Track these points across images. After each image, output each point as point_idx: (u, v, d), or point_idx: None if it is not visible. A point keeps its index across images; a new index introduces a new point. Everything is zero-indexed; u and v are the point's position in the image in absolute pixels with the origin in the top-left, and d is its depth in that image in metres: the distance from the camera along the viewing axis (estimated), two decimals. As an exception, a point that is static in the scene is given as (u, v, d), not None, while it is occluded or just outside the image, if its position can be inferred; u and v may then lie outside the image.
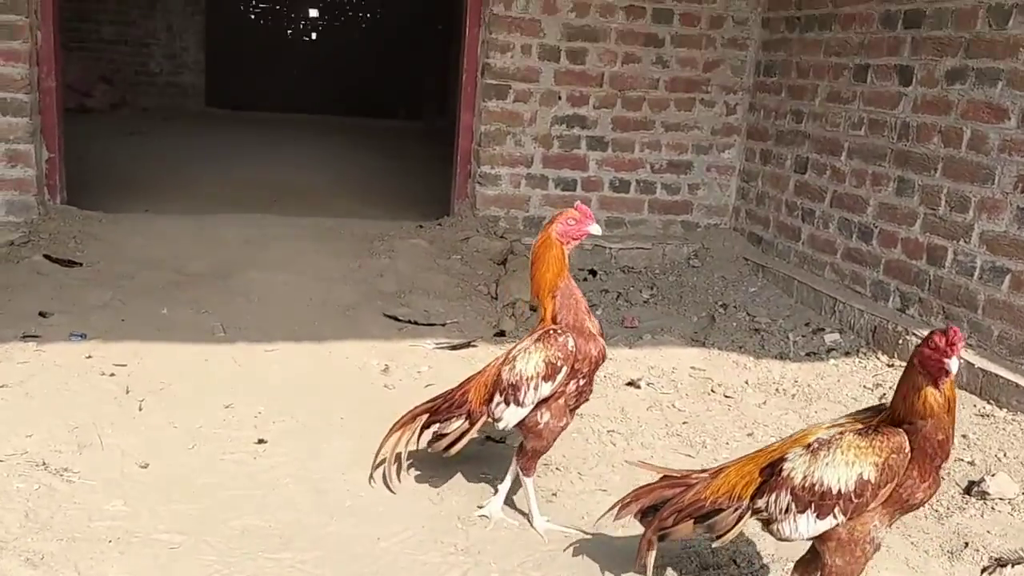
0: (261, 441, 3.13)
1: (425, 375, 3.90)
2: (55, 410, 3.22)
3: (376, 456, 2.87)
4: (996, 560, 2.63)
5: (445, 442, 2.71)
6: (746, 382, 4.16)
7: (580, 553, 2.58)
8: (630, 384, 4.02)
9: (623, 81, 5.73)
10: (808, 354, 4.58)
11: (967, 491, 3.10)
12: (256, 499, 2.70)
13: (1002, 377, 3.76)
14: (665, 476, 2.33)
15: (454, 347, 4.21)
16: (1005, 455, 3.37)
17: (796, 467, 2.07)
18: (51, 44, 5.02)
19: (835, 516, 2.02)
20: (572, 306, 2.59)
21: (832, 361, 4.43)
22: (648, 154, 5.91)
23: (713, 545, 2.34)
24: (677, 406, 3.84)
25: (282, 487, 2.80)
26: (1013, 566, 2.60)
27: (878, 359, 4.38)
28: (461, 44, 5.68)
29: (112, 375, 3.60)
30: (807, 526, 2.05)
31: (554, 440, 2.67)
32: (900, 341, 4.32)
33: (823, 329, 4.80)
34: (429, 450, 2.84)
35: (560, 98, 5.67)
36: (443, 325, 4.45)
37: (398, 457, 2.87)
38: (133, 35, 12.33)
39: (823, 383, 4.14)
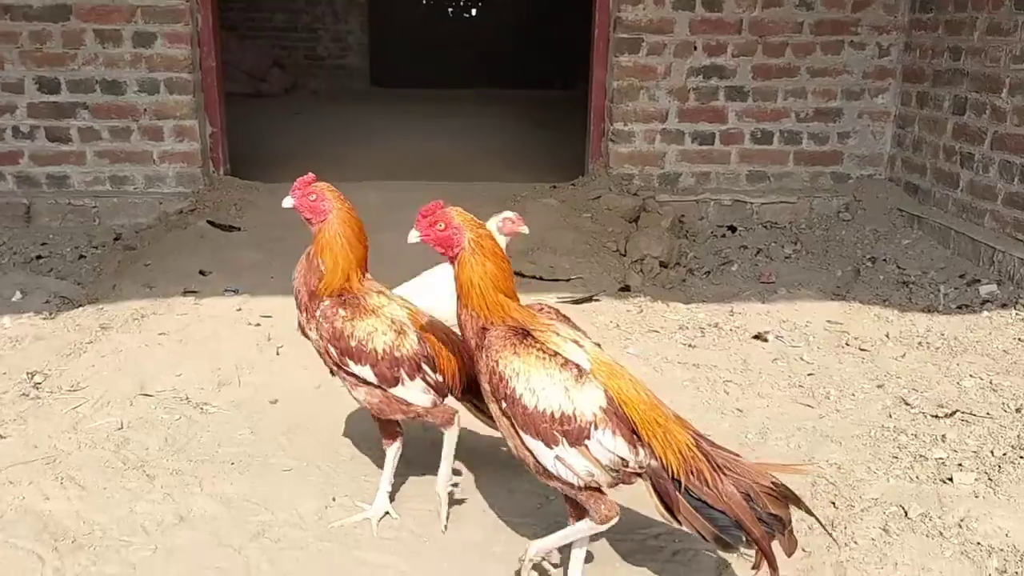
0: (379, 384, 3.30)
1: (546, 327, 3.96)
2: (204, 354, 3.55)
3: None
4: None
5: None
6: (886, 335, 3.94)
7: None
8: (756, 337, 3.91)
9: (763, 26, 5.50)
10: (960, 307, 4.27)
11: None
12: (368, 434, 2.86)
13: None
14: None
15: (576, 301, 4.24)
16: None
17: None
18: (210, 26, 5.45)
19: None
20: None
21: (986, 313, 4.11)
22: (793, 102, 5.66)
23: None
24: (805, 358, 3.70)
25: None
26: None
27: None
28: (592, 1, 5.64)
29: (257, 325, 3.91)
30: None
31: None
32: (1064, 290, 3.94)
33: (979, 281, 4.46)
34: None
35: (696, 48, 5.52)
36: (567, 280, 4.50)
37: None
38: (302, 21, 13.03)
39: (972, 336, 3.86)
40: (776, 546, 1.90)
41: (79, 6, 5.14)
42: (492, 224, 2.80)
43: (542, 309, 2.08)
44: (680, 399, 3.22)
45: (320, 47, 13.23)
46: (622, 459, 1.89)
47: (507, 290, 2.00)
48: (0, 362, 3.42)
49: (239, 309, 4.10)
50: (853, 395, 3.35)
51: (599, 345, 2.09)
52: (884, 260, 4.99)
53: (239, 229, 5.13)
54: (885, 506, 2.46)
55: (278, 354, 3.60)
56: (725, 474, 1.89)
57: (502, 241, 2.73)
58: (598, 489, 1.92)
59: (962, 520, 2.36)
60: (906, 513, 2.41)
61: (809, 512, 1.93)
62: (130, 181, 5.44)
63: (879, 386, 3.41)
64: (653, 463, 1.89)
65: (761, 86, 5.61)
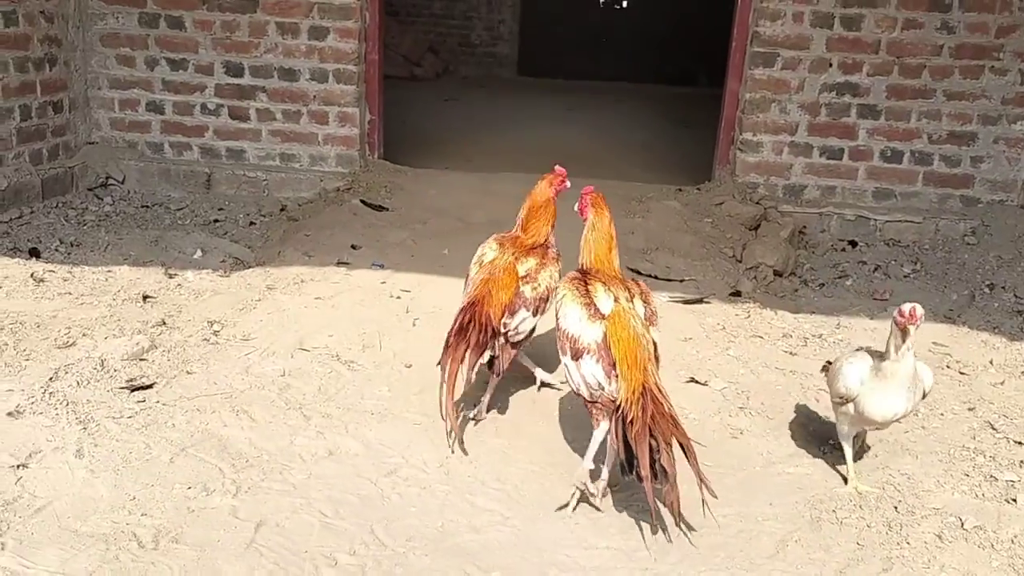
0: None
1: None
2: (351, 319, 4.08)
3: (441, 406, 3.16)
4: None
5: (500, 363, 3.16)
6: (989, 361, 4.06)
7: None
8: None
9: (902, 48, 5.58)
10: (1074, 339, 4.31)
11: None
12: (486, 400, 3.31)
13: None
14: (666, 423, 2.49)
15: (687, 301, 4.54)
16: None
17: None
18: (376, 22, 6.01)
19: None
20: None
21: (1097, 351, 4.15)
22: (926, 124, 5.71)
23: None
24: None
25: (508, 394, 3.39)
26: None
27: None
28: (733, 13, 5.85)
29: (398, 298, 4.42)
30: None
31: None
32: None
33: (1100, 314, 4.47)
34: (492, 373, 3.26)
35: (831, 65, 5.66)
36: (681, 281, 4.79)
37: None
38: (458, 9, 13.64)
39: (1080, 368, 3.93)
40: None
41: (265, 0, 5.80)
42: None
43: (632, 280, 2.87)
44: (771, 402, 3.50)
45: (473, 35, 13.82)
46: (599, 383, 2.54)
47: (600, 252, 2.87)
48: (186, 311, 4.05)
49: (383, 282, 4.61)
50: (942, 415, 3.52)
51: (645, 309, 2.73)
52: (1003, 287, 5.02)
53: (388, 209, 5.67)
54: (944, 516, 2.69)
55: (414, 325, 4.09)
56: (646, 421, 2.45)
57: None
58: (595, 403, 2.58)
59: (1015, 537, 2.57)
60: (962, 524, 2.64)
61: (699, 475, 2.46)
62: (296, 159, 6.09)
63: (970, 409, 3.57)
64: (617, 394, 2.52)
65: (894, 106, 5.69)
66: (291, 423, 3.04)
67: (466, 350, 2.93)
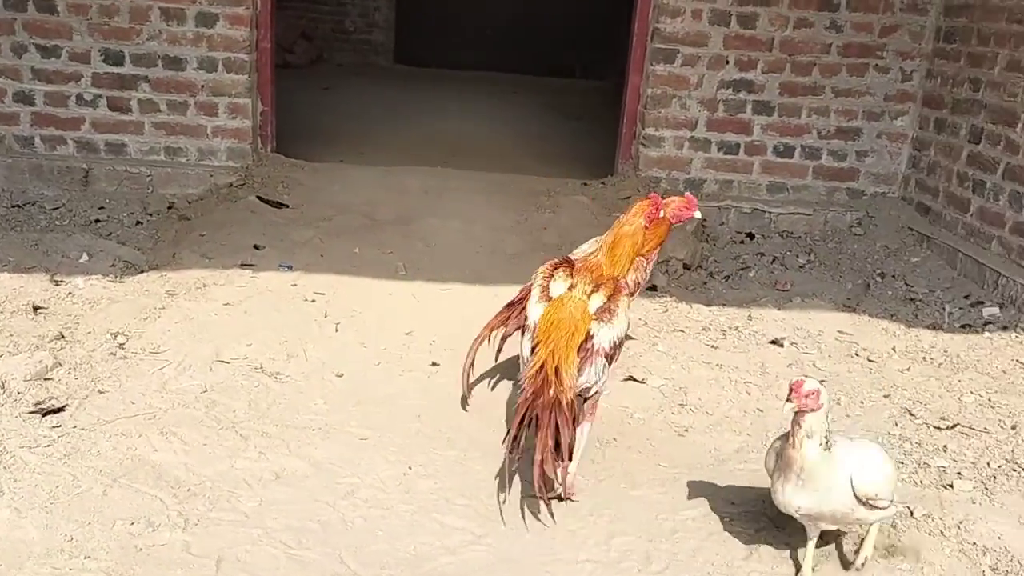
0: (435, 364, 3.62)
1: (580, 320, 4.27)
2: (268, 326, 3.85)
3: (464, 374, 3.30)
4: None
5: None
6: (893, 348, 4.26)
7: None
8: (773, 342, 4.22)
9: (793, 46, 5.78)
10: (963, 326, 4.59)
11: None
12: (429, 408, 3.19)
13: None
14: (533, 420, 2.52)
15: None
16: None
17: (602, 336, 2.64)
18: (268, 9, 5.70)
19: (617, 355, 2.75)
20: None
21: (987, 334, 4.43)
22: (815, 120, 5.94)
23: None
24: (818, 365, 4.02)
25: (450, 401, 3.28)
26: None
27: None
28: (633, 10, 5.90)
29: (313, 301, 4.21)
30: (609, 370, 2.72)
31: None
32: (1060, 318, 4.27)
33: (983, 302, 4.77)
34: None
35: (728, 62, 5.80)
36: (600, 276, 4.79)
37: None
38: (331, -6, 13.23)
39: (974, 355, 4.18)
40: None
41: (147, -17, 5.39)
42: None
43: (615, 280, 2.82)
44: (707, 397, 3.55)
45: (347, 21, 13.42)
46: (525, 359, 2.66)
47: (608, 246, 2.93)
48: (84, 322, 3.71)
49: (294, 285, 4.38)
50: (862, 403, 3.67)
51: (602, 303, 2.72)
52: (893, 276, 5.30)
53: (288, 206, 5.40)
54: (907, 517, 2.79)
55: (337, 330, 3.91)
56: (527, 398, 2.53)
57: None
58: None
59: (961, 522, 2.70)
60: (912, 513, 2.74)
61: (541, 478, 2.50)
62: (183, 153, 5.70)
63: (886, 396, 3.73)
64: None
65: (787, 102, 5.89)
66: (227, 444, 2.82)
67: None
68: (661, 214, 3.00)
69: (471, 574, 2.29)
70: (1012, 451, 3.22)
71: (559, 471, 2.54)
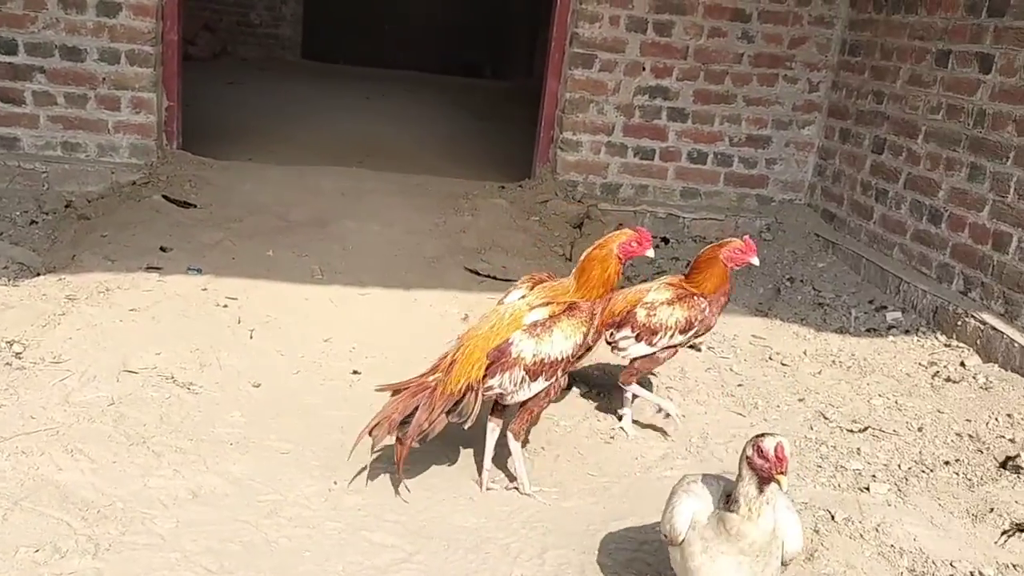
0: (355, 372, 3.52)
1: (502, 325, 4.23)
2: (178, 333, 3.67)
3: None
4: (1017, 525, 2.85)
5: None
6: (804, 352, 4.38)
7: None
8: (691, 347, 4.28)
9: (707, 55, 5.89)
10: (868, 330, 4.76)
11: (1002, 465, 3.30)
12: (351, 419, 3.07)
13: (1054, 363, 3.91)
14: (399, 389, 2.65)
15: (529, 302, 4.52)
16: (1047, 436, 3.54)
17: (524, 349, 2.61)
18: (175, 0, 5.45)
19: (557, 375, 2.69)
20: (724, 292, 3.28)
21: (891, 338, 4.61)
22: (728, 127, 6.08)
23: (466, 427, 2.67)
24: (734, 370, 4.10)
25: (373, 411, 3.17)
26: (1033, 532, 2.82)
27: (936, 339, 4.54)
28: (552, 14, 5.90)
29: (225, 306, 4.04)
30: (538, 387, 2.67)
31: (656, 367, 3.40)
32: (959, 323, 4.47)
33: (886, 307, 4.96)
34: None
35: (644, 69, 5.87)
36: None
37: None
38: (236, -15, 12.83)
39: (879, 358, 4.33)
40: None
41: (42, -32, 5.08)
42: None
43: (575, 305, 2.73)
44: (633, 403, 3.56)
45: (253, 14, 13.04)
46: None
47: (584, 269, 2.77)
48: (-25, 329, 3.46)
49: (204, 289, 4.20)
50: (778, 407, 3.76)
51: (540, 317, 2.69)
52: (801, 281, 5.47)
53: (196, 206, 5.18)
54: (815, 509, 2.86)
55: (251, 337, 3.76)
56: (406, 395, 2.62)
57: None
58: None
59: (878, 525, 2.78)
60: (832, 517, 2.81)
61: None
62: (82, 148, 5.41)
63: (800, 400, 3.83)
64: None
65: (700, 110, 6.00)
66: (139, 461, 2.67)
67: None
68: (650, 253, 2.84)
69: (404, 594, 2.22)
70: (920, 452, 3.35)
71: (399, 449, 2.59)
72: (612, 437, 3.28)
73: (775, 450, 1.82)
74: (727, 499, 1.98)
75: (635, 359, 3.27)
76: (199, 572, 2.19)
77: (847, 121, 5.82)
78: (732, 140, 6.11)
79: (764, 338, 4.53)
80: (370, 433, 2.55)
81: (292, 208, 5.26)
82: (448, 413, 2.60)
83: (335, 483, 2.67)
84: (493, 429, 2.78)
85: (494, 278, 4.78)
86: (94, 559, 2.18)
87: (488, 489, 2.76)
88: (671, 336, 3.18)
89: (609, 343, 3.27)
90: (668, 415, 3.34)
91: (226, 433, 2.91)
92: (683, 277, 3.36)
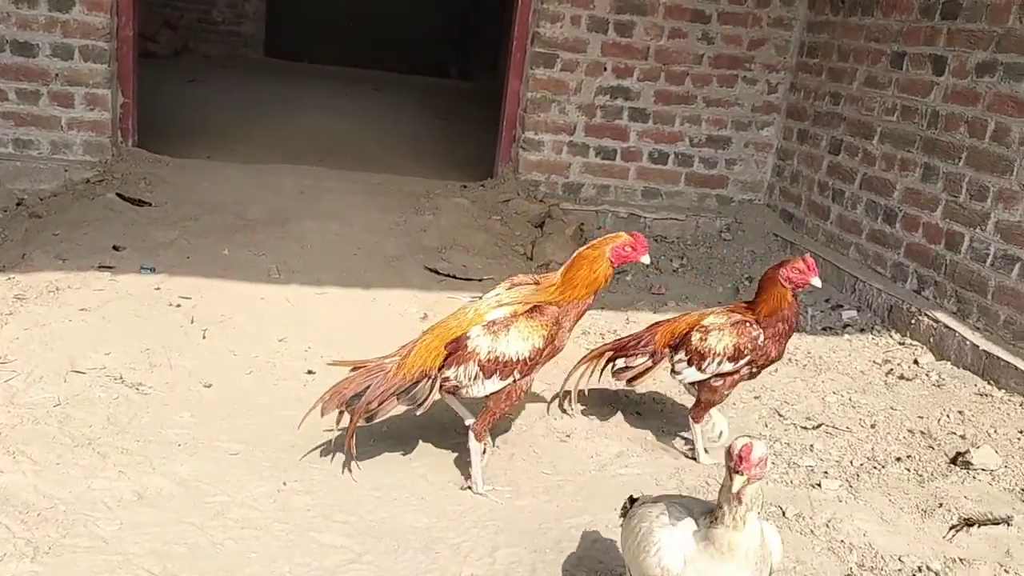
0: (310, 372, 3.48)
1: (460, 324, 4.22)
2: (129, 333, 3.61)
3: (563, 385, 3.28)
4: (965, 520, 2.89)
5: (629, 374, 3.15)
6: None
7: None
8: (649, 345, 4.29)
9: (668, 55, 5.92)
10: (824, 328, 4.81)
11: (952, 460, 3.34)
12: (305, 420, 3.05)
13: (1003, 360, 3.97)
14: (358, 367, 2.71)
15: (489, 301, 4.51)
16: (996, 431, 3.60)
17: (480, 344, 2.61)
18: (130, -4, 5.38)
19: (514, 376, 2.65)
20: (782, 318, 2.99)
21: (847, 336, 4.66)
22: (688, 128, 6.11)
23: (417, 414, 2.72)
24: (692, 367, 4.11)
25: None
26: (980, 526, 2.86)
27: (891, 337, 4.60)
28: (513, 13, 5.90)
29: (178, 306, 3.98)
30: (493, 386, 2.64)
31: (721, 401, 3.14)
32: (913, 321, 4.53)
33: (842, 306, 5.02)
34: (614, 379, 3.23)
35: (605, 69, 5.88)
36: (480, 280, 4.76)
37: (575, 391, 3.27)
38: (197, -17, 12.67)
39: (835, 356, 4.38)
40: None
41: (-9, -40, 4.98)
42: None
43: (538, 308, 2.70)
44: (588, 400, 3.56)
45: (215, 11, 12.88)
46: None
47: (568, 270, 2.74)
48: (-83, 329, 3.38)
49: (158, 288, 4.14)
50: (734, 404, 3.77)
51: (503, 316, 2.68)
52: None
53: (151, 204, 5.11)
54: (766, 506, 2.87)
55: (204, 337, 3.71)
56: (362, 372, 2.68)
57: None
58: None
59: (829, 521, 2.80)
60: (784, 513, 2.83)
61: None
62: (35, 146, 5.30)
63: (756, 397, 3.86)
64: None
65: (661, 110, 6.03)
66: (83, 463, 2.61)
67: None
68: (645, 259, 2.75)
69: (351, 595, 2.20)
70: (872, 449, 3.38)
71: (348, 422, 2.65)
72: (568, 436, 3.27)
73: (740, 449, 1.78)
74: (708, 516, 1.87)
75: (700, 391, 3.11)
76: (141, 575, 2.15)
77: (805, 122, 5.88)
78: (692, 140, 6.14)
79: (722, 337, 4.55)
80: (323, 405, 2.62)
81: (250, 207, 5.20)
82: (400, 396, 2.63)
83: (284, 484, 2.63)
84: (473, 441, 2.78)
85: (454, 277, 4.76)
86: (32, 562, 2.13)
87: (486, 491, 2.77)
88: (719, 363, 2.99)
89: (671, 364, 3.12)
90: (696, 453, 3.18)
91: (174, 434, 2.86)
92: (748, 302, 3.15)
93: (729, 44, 5.96)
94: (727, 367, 3.01)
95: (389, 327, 4.08)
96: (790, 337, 3.08)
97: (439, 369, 2.64)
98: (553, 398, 3.45)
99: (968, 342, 4.18)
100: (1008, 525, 2.90)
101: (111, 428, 2.85)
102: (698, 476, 3.05)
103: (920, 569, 2.59)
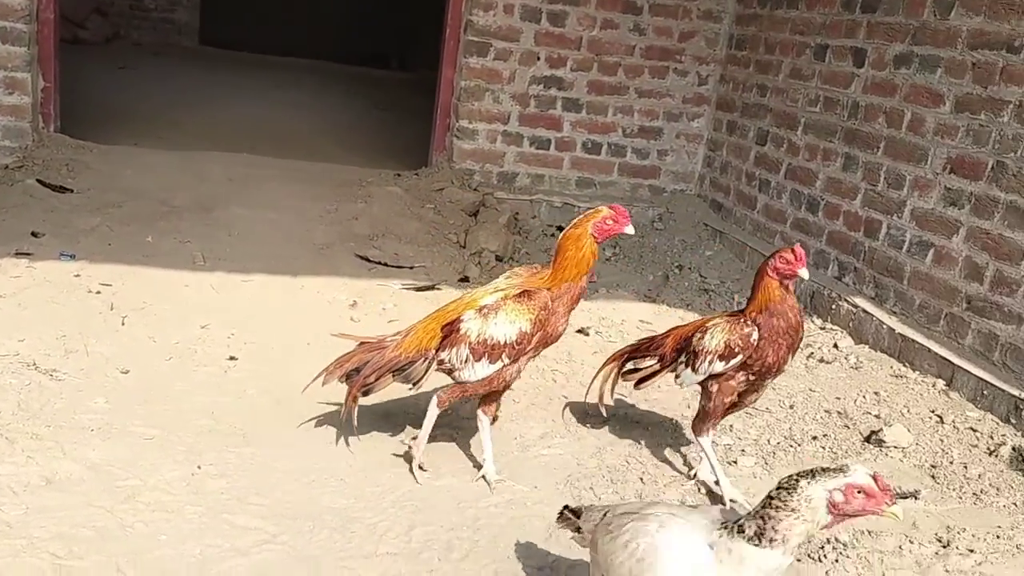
0: (232, 358, 3.44)
1: (390, 312, 4.21)
2: (45, 320, 3.52)
3: (588, 387, 3.19)
4: (874, 493, 2.98)
5: (636, 376, 3.09)
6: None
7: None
8: (579, 332, 4.33)
9: (600, 46, 5.97)
10: (750, 314, 4.90)
11: (867, 439, 3.45)
12: (223, 405, 3.02)
13: (918, 342, 4.11)
14: (363, 342, 2.82)
15: (419, 288, 4.51)
16: (909, 411, 3.72)
17: (471, 327, 2.65)
18: (51, -24, 5.23)
19: (503, 360, 2.67)
20: (778, 313, 2.73)
21: (770, 322, 4.76)
22: (621, 118, 6.17)
23: (410, 390, 2.80)
24: (619, 353, 4.16)
25: (247, 397, 3.12)
26: (888, 499, 2.95)
27: (812, 322, 4.71)
28: (446, 1, 5.89)
29: (98, 293, 3.90)
30: (483, 370, 2.68)
31: (720, 411, 2.89)
32: (834, 307, 4.65)
33: (767, 292, 5.12)
34: (622, 380, 3.17)
35: (539, 59, 5.91)
36: (411, 268, 4.75)
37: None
38: (128, -32, 12.37)
39: (759, 340, 4.47)
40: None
41: (-100, -63, 4.79)
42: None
43: (527, 293, 2.71)
44: (517, 386, 3.58)
45: (147, -2, 12.61)
46: None
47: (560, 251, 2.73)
48: None
49: (77, 275, 4.05)
50: (659, 387, 3.80)
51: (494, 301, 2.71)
52: (689, 268, 5.60)
53: (71, 191, 4.98)
54: (683, 481, 2.93)
55: (123, 324, 3.64)
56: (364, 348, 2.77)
57: None
58: None
59: (743, 495, 2.87)
60: (699, 489, 2.89)
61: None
62: (-50, 130, 5.13)
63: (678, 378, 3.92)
64: None
65: (594, 100, 6.08)
66: (-11, 449, 2.54)
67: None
68: (629, 230, 2.74)
69: (262, 573, 2.17)
70: (790, 428, 3.47)
71: (348, 396, 2.74)
72: (492, 418, 3.28)
73: (878, 481, 1.65)
74: (713, 525, 1.74)
75: (701, 396, 2.94)
76: (45, 558, 2.10)
77: (734, 114, 5.99)
78: (625, 131, 6.21)
79: (651, 322, 4.62)
80: (326, 375, 2.74)
81: (176, 193, 5.11)
82: (395, 373, 2.72)
83: (199, 467, 2.60)
84: (482, 420, 2.83)
85: (385, 264, 4.74)
86: (-71, 549, 2.07)
87: (498, 482, 2.78)
88: (710, 362, 2.79)
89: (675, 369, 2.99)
90: (725, 501, 2.81)
91: (88, 419, 2.80)
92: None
93: (660, 36, 6.03)
94: (718, 366, 2.79)
95: (317, 314, 4.05)
96: (796, 347, 2.80)
97: (436, 351, 2.71)
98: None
99: (885, 326, 4.31)
100: (916, 499, 3.00)
101: (21, 414, 2.78)
102: (619, 455, 3.10)
103: (829, 541, 2.66)
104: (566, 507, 2.12)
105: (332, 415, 3.07)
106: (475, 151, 5.99)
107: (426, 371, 2.72)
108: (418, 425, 2.86)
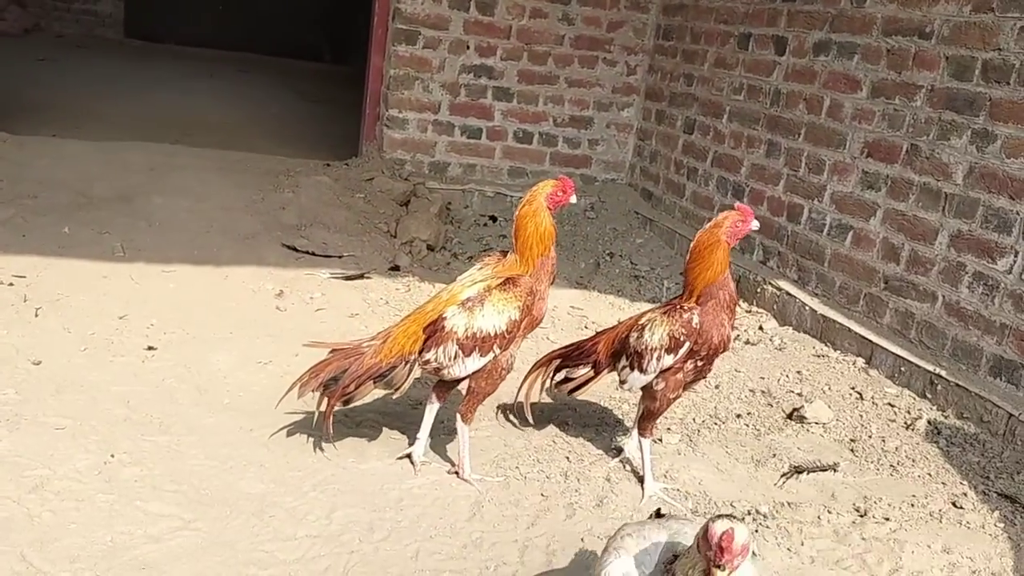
0: (151, 348, 3.35)
1: (317, 300, 4.15)
2: (-49, 312, 3.38)
3: (516, 395, 3.09)
4: (795, 467, 3.05)
5: (570, 385, 3.01)
6: (618, 321, 4.51)
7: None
8: (510, 318, 4.33)
9: (530, 35, 5.98)
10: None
11: (789, 416, 3.52)
12: (140, 394, 2.94)
13: (838, 323, 4.21)
14: (336, 349, 2.71)
15: (348, 277, 4.46)
16: (830, 388, 3.81)
17: (457, 322, 2.58)
18: (-43, -41, 5.02)
19: (494, 352, 2.62)
20: (716, 306, 2.68)
21: (699, 306, 4.83)
22: (551, 108, 6.19)
23: (394, 397, 2.75)
24: (551, 339, 4.17)
25: (166, 386, 3.05)
26: (808, 473, 3.03)
27: (739, 306, 4.79)
28: (374, -12, 5.84)
29: (11, 285, 3.76)
30: (474, 364, 2.62)
31: (667, 408, 2.83)
32: (759, 290, 4.74)
33: (695, 278, 5.19)
34: (555, 390, 3.08)
35: (468, 47, 5.89)
36: (340, 257, 4.70)
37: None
38: (49, -42, 11.97)
39: (688, 324, 4.53)
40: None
41: None
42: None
43: (509, 281, 2.63)
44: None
45: (68, -11, 12.21)
46: None
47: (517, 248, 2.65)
48: None
49: (-12, 267, 3.91)
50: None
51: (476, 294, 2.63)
52: (620, 256, 5.65)
53: (-17, 182, 4.80)
54: (607, 460, 2.95)
55: (37, 315, 3.52)
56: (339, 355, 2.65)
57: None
58: None
59: (667, 472, 2.91)
60: (624, 466, 2.91)
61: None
62: None
63: (609, 363, 3.95)
64: None
65: (525, 90, 6.09)
66: None
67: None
68: (573, 199, 2.69)
69: (176, 559, 2.12)
70: (715, 408, 3.52)
71: (324, 404, 2.62)
72: (419, 403, 3.26)
73: (720, 538, 1.56)
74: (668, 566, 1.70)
75: (642, 399, 2.86)
76: (-58, 551, 2.02)
77: (662, 103, 6.06)
78: (556, 120, 6.23)
79: (582, 308, 4.65)
80: (300, 387, 2.61)
81: (94, 184, 4.96)
82: (376, 380, 2.63)
83: (112, 456, 2.52)
84: (432, 406, 2.80)
85: (312, 254, 4.67)
86: None
87: (422, 464, 2.75)
88: (658, 359, 2.70)
89: (618, 374, 2.90)
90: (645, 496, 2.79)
91: (-5, 411, 2.70)
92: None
93: (589, 25, 6.07)
94: (668, 360, 2.70)
95: (241, 303, 3.98)
96: (734, 315, 2.76)
97: (419, 353, 2.62)
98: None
99: (807, 307, 4.41)
100: (835, 471, 3.07)
101: (-79, 407, 2.66)
102: (546, 435, 3.11)
103: (750, 512, 2.71)
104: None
105: (254, 402, 3.02)
106: (405, 140, 5.94)
107: (408, 375, 2.65)
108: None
